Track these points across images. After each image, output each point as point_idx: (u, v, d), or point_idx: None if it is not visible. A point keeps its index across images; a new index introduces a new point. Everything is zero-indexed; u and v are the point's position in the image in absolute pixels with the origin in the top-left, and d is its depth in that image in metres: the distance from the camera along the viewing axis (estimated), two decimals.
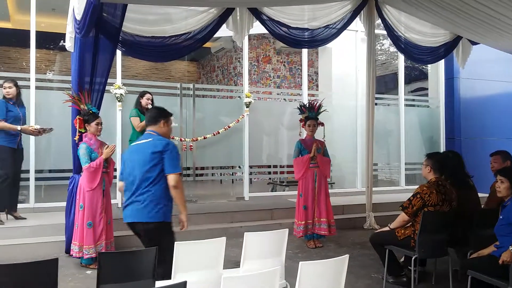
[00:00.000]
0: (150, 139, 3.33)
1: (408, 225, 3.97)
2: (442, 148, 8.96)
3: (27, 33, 6.31)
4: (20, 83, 5.73)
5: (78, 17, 4.01)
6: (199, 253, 2.80)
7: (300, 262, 2.36)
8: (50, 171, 6.47)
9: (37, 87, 6.12)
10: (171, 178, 3.23)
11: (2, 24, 10.25)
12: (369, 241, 4.24)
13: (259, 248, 3.01)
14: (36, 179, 6.09)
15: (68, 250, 4.65)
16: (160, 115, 3.45)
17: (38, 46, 6.22)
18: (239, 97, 7.64)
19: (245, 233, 2.99)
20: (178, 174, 3.29)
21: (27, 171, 5.91)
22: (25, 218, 5.51)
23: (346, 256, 2.52)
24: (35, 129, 5.25)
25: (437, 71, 9.19)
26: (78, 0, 4.04)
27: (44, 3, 7.00)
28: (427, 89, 10.21)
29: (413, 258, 3.81)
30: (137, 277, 2.54)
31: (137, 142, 3.42)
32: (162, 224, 3.31)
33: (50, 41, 12.02)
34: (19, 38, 11.10)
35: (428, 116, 9.21)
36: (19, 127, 5.21)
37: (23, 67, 11.81)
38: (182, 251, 2.72)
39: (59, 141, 6.02)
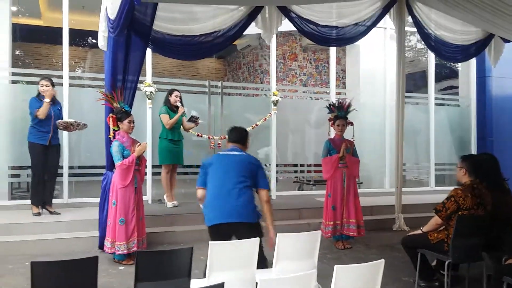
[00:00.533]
0: (243, 153, 3.70)
1: (441, 228, 3.90)
2: (473, 149, 8.77)
3: (57, 30, 6.46)
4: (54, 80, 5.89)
5: (112, 17, 4.05)
6: (233, 252, 2.81)
7: (336, 266, 2.35)
8: (79, 167, 6.60)
9: (69, 85, 6.25)
10: (264, 193, 3.60)
11: (34, 22, 10.49)
12: (401, 244, 4.18)
13: (292, 250, 3.01)
14: (69, 175, 6.22)
15: (101, 246, 4.73)
16: (248, 137, 3.87)
17: (69, 43, 6.33)
18: (265, 95, 7.63)
19: (277, 234, 2.99)
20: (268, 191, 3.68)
21: (61, 167, 6.04)
22: (59, 213, 5.65)
23: (382, 261, 2.49)
24: (66, 122, 5.42)
25: (468, 69, 8.98)
26: (112, 0, 4.09)
27: (74, 0, 7.13)
28: (457, 87, 9.99)
29: (446, 263, 3.74)
30: (173, 276, 2.58)
31: (228, 153, 3.69)
32: (257, 223, 3.58)
33: (80, 38, 12.24)
34: (49, 35, 11.34)
35: (459, 115, 9.01)
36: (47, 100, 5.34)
37: (53, 63, 12.08)
38: (217, 250, 2.74)
39: (90, 137, 6.15)
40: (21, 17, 10.08)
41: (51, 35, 11.29)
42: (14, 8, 9.21)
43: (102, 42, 4.67)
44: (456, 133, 8.87)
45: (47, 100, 5.35)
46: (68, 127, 5.49)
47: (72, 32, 9.97)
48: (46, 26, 10.35)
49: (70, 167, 6.28)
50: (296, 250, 3.03)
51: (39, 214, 5.51)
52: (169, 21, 5.12)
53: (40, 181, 5.50)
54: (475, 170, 3.85)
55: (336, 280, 2.32)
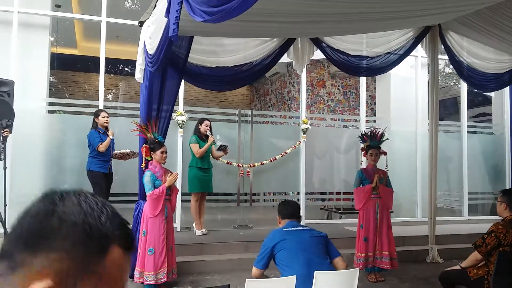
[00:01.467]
0: (306, 227, 3.56)
1: (481, 264, 3.77)
2: (508, 177, 8.53)
3: (91, 58, 6.70)
4: (87, 109, 6.10)
5: (151, 52, 4.17)
6: None
7: None
8: (113, 194, 6.70)
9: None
10: (341, 260, 3.36)
11: (70, 51, 10.88)
12: (438, 280, 4.06)
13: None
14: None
15: (132, 275, 4.75)
16: (298, 210, 3.69)
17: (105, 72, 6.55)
18: (294, 123, 7.65)
19: (315, 272, 2.93)
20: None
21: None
22: None
23: None
24: (123, 152, 5.72)
25: (501, 96, 8.80)
26: (151, 35, 4.21)
27: (109, 31, 7.39)
28: (490, 114, 9.80)
29: None
30: None
31: (294, 229, 3.40)
32: None
33: (113, 66, 12.63)
34: (83, 63, 11.77)
35: (492, 143, 8.81)
36: (110, 136, 5.72)
37: (87, 90, 12.46)
38: None
39: (124, 166, 6.25)
40: (58, 47, 10.46)
41: (85, 64, 11.73)
42: (51, 38, 9.61)
43: (139, 74, 4.80)
44: (489, 162, 8.66)
45: (110, 136, 5.72)
46: (124, 156, 5.77)
47: (106, 60, 10.31)
48: (81, 55, 10.73)
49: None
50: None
51: None
52: (203, 53, 5.24)
53: None
54: None
55: None
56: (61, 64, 11.83)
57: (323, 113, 10.82)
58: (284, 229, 3.39)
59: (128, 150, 5.73)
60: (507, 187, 8.47)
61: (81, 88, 12.72)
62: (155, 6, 4.24)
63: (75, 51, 10.86)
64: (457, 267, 3.93)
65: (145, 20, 4.67)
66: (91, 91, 12.11)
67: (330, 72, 11.09)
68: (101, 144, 5.61)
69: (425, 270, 5.66)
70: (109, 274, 0.70)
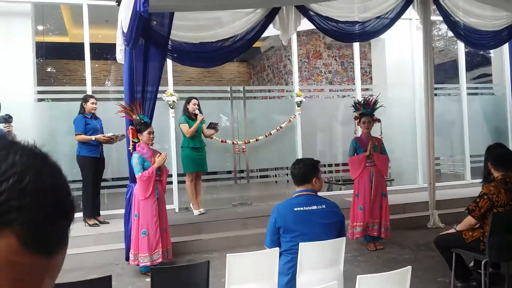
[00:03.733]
0: (324, 206, 2.91)
1: (477, 226, 3.68)
2: (511, 138, 8.36)
3: (82, 45, 6.56)
4: (78, 95, 6.02)
5: (125, 29, 4.06)
6: (253, 264, 2.72)
7: (358, 276, 2.23)
8: (113, 179, 6.67)
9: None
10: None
11: (61, 39, 10.74)
12: (434, 244, 3.99)
13: (315, 259, 2.87)
14: (102, 187, 6.25)
15: (128, 258, 4.74)
16: (311, 171, 2.98)
17: (95, 57, 6.44)
18: (290, 96, 7.52)
19: (299, 243, 2.86)
20: None
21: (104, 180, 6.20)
22: (108, 222, 5.84)
23: (409, 268, 2.34)
24: (107, 137, 5.63)
25: (501, 56, 8.55)
26: (125, 13, 4.09)
27: (97, 15, 7.24)
28: (491, 75, 9.57)
29: (483, 262, 3.53)
30: None
31: (305, 209, 2.87)
32: None
33: (106, 52, 12.47)
34: (77, 51, 11.61)
35: (493, 104, 8.62)
36: (93, 137, 5.59)
37: (83, 78, 12.36)
38: (235, 263, 2.66)
39: (119, 150, 6.19)
40: (47, 35, 10.33)
41: (78, 51, 11.57)
42: (40, 27, 9.47)
43: (120, 55, 4.71)
44: (492, 123, 8.48)
45: (106, 136, 5.64)
46: (109, 140, 5.69)
47: (98, 46, 10.15)
48: (72, 43, 10.58)
49: (102, 180, 6.33)
50: (319, 259, 2.90)
51: (96, 224, 5.72)
52: (186, 29, 5.11)
53: (95, 193, 5.76)
54: (502, 162, 3.63)
55: None
56: (54, 53, 11.74)
57: (321, 85, 10.64)
58: (294, 208, 2.86)
59: (111, 134, 5.65)
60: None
61: (77, 76, 12.62)
62: None
63: (66, 39, 10.71)
64: (452, 230, 3.86)
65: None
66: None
67: (326, 43, 10.86)
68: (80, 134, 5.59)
69: (426, 235, 5.57)
70: None
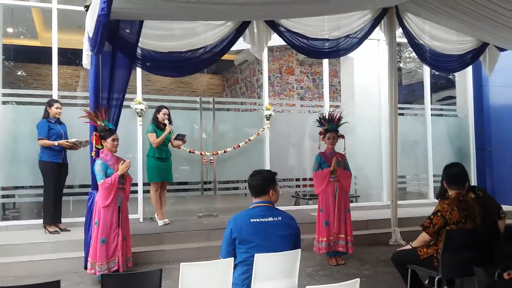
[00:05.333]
0: (280, 218, 2.92)
1: (431, 243, 3.77)
2: (472, 159, 8.64)
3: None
4: (44, 99, 5.92)
5: (90, 34, 4.04)
6: (207, 276, 2.71)
7: (306, 287, 2.25)
8: (80, 186, 6.53)
9: (63, 104, 6.21)
10: None
11: (31, 42, 10.57)
12: (391, 260, 4.05)
13: (270, 270, 2.87)
14: (65, 194, 6.11)
15: (86, 266, 4.64)
16: (268, 183, 2.99)
17: (66, 62, 6.37)
18: (261, 109, 7.58)
19: (255, 255, 2.86)
20: None
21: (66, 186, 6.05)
22: (69, 230, 5.74)
23: (357, 280, 2.38)
24: (70, 142, 5.58)
25: (465, 79, 8.88)
26: (91, 18, 4.08)
27: (69, 21, 7.17)
28: (455, 97, 9.89)
29: (436, 279, 3.61)
30: None
31: (261, 221, 2.88)
32: None
33: (79, 57, 12.31)
34: (47, 55, 11.42)
35: (457, 125, 8.89)
36: (56, 143, 5.52)
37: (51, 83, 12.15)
38: (189, 272, 2.64)
39: (86, 156, 6.06)
40: (17, 38, 10.14)
41: (49, 56, 11.39)
42: (10, 30, 9.30)
43: (86, 60, 4.66)
44: (455, 144, 8.75)
45: (69, 142, 5.62)
46: (73, 146, 5.63)
47: (70, 51, 10.01)
48: (43, 47, 10.41)
49: (67, 187, 6.18)
50: (274, 270, 2.91)
51: (57, 231, 5.62)
52: (155, 38, 5.09)
53: (56, 199, 5.65)
54: (456, 181, 3.74)
55: None
56: (24, 56, 11.51)
57: (292, 100, 10.77)
58: (250, 219, 2.88)
59: (74, 139, 5.59)
60: (472, 169, 8.59)
61: (46, 81, 12.38)
62: None
63: (36, 43, 10.55)
64: (408, 246, 3.93)
65: (89, 4, 4.50)
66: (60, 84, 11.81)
67: (299, 59, 11.03)
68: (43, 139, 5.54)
69: (387, 252, 5.63)
70: None
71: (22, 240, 5.32)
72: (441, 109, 9.29)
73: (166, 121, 6.05)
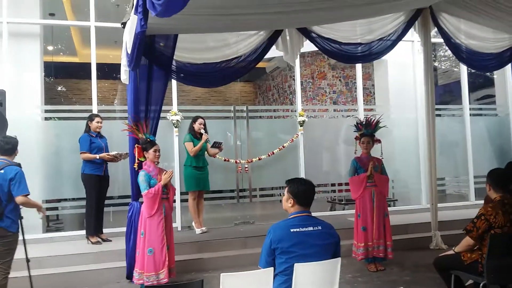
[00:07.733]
0: (319, 227, 2.91)
1: (475, 248, 3.67)
2: None
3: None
4: (85, 114, 6.14)
5: (129, 51, 4.17)
6: (248, 285, 2.73)
7: None
8: (119, 197, 6.72)
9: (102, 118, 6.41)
10: None
11: (70, 59, 10.97)
12: (433, 265, 3.97)
13: (310, 280, 2.87)
14: (106, 205, 6.28)
15: (129, 276, 4.75)
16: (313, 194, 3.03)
17: (105, 77, 6.59)
18: (294, 116, 7.59)
19: (295, 264, 2.86)
20: None
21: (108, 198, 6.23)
22: (110, 240, 5.91)
23: None
24: (111, 155, 5.76)
25: (504, 77, 8.61)
26: (129, 34, 4.21)
27: (106, 37, 7.41)
28: (494, 96, 9.59)
29: (481, 285, 3.51)
30: None
31: (302, 230, 2.86)
32: None
33: (116, 71, 12.66)
34: (86, 70, 11.81)
35: (497, 124, 8.62)
36: (97, 156, 5.71)
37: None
38: (229, 283, 2.68)
39: (126, 168, 6.23)
40: (56, 55, 10.55)
41: (88, 71, 11.78)
42: (50, 47, 9.69)
43: (124, 76, 4.80)
44: (496, 143, 8.48)
45: (110, 155, 5.80)
46: (114, 158, 5.81)
47: (107, 66, 10.33)
48: (82, 63, 10.79)
49: (108, 198, 6.34)
50: (314, 279, 2.91)
51: (99, 242, 5.79)
52: (189, 50, 5.22)
53: (98, 211, 5.85)
54: (502, 184, 3.63)
55: None
56: (64, 73, 11.95)
57: (325, 105, 10.72)
58: (290, 229, 2.85)
59: (115, 152, 5.76)
60: None
61: (86, 95, 12.81)
62: (133, 5, 4.22)
63: (75, 59, 10.94)
64: (451, 252, 3.84)
65: (126, 21, 4.65)
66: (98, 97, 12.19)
67: (330, 63, 10.98)
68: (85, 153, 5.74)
69: (428, 257, 5.48)
70: None
71: (65, 251, 5.50)
72: (480, 109, 9.04)
73: (202, 131, 6.16)
